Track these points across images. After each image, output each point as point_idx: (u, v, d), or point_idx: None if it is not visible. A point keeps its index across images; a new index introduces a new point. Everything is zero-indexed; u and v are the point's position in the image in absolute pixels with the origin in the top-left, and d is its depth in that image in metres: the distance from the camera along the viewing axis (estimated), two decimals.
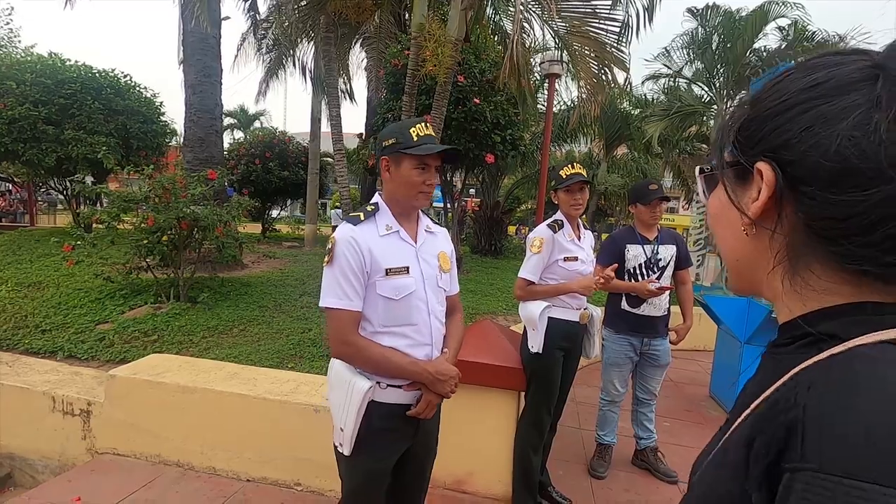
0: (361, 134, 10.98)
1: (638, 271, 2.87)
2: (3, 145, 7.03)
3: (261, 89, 14.12)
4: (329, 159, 13.06)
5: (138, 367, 3.20)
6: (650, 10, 5.23)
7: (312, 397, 2.81)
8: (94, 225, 5.31)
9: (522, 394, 2.60)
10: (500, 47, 7.10)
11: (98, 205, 7.88)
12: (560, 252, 2.36)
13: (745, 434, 0.46)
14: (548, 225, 2.38)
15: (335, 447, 1.53)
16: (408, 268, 1.50)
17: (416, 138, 1.47)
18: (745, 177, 0.50)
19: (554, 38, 5.26)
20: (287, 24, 7.13)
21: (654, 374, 3.01)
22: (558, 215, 2.43)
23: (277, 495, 2.77)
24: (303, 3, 5.45)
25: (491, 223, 11.08)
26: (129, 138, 8.03)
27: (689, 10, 12.18)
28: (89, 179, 8.11)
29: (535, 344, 2.32)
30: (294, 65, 13.39)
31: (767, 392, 0.46)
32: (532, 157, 11.12)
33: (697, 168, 0.60)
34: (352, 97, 13.74)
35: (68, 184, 8.54)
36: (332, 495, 2.77)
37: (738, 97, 12.67)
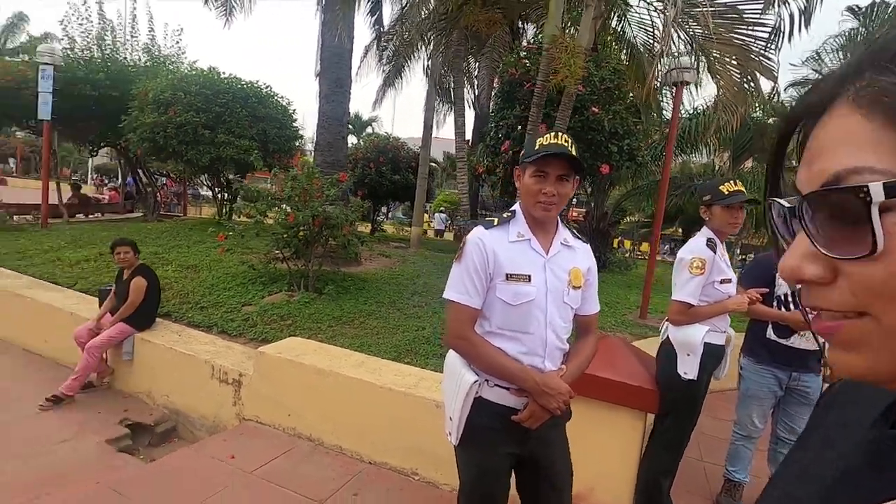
0: (468, 141, 11.23)
1: (788, 298, 2.62)
2: (171, 146, 8.26)
3: (378, 97, 15.05)
4: (434, 164, 13.48)
5: (280, 347, 3.58)
6: (807, 13, 4.72)
7: (434, 393, 2.94)
8: (243, 218, 6.04)
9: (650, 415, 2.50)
10: (623, 56, 6.87)
11: (237, 199, 8.94)
12: (718, 273, 2.23)
13: None
14: (706, 245, 2.25)
15: (447, 436, 1.61)
16: (530, 276, 1.51)
17: (537, 147, 1.50)
18: None
19: (690, 43, 4.96)
20: (407, 36, 7.54)
21: (800, 413, 2.70)
22: (707, 233, 2.30)
23: (396, 481, 2.94)
24: (441, 21, 5.75)
25: (597, 235, 10.70)
26: (267, 142, 8.99)
27: (850, 9, 10.80)
28: (231, 177, 9.24)
29: (690, 370, 2.21)
30: (406, 76, 14.02)
31: None
32: (646, 167, 10.55)
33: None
34: (472, 106, 13.85)
35: (218, 180, 9.78)
36: (446, 489, 2.87)
37: None
